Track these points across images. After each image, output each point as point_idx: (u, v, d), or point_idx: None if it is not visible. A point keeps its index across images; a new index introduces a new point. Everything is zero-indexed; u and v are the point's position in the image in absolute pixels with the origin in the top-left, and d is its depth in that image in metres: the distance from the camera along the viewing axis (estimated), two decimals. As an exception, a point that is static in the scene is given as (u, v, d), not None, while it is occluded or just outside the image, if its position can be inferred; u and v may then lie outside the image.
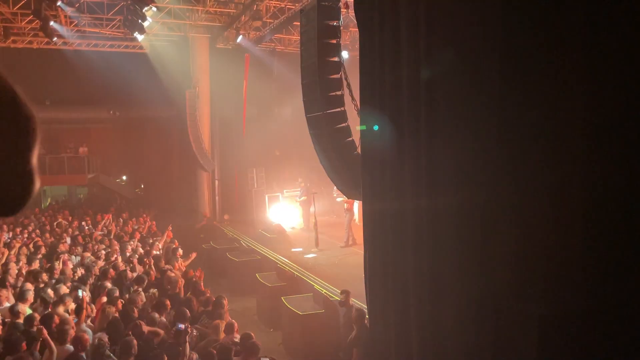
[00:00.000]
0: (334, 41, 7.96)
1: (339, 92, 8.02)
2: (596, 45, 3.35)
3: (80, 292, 7.19)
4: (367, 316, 6.70)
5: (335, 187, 12.27)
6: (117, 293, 7.46)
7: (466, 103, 4.39)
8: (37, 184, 0.64)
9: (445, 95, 4.65)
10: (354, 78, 7.67)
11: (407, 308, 5.27)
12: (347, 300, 7.57)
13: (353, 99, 8.00)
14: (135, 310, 6.75)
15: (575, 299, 3.50)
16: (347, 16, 14.59)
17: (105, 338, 5.73)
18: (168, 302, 7.03)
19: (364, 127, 7.77)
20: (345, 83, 8.14)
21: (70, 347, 5.58)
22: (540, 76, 3.68)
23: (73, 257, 10.43)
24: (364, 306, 7.09)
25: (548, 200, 3.67)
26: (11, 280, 8.09)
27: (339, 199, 13.27)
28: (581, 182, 3.47)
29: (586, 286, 3.45)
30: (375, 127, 7.93)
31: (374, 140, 6.10)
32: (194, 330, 6.28)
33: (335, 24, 7.96)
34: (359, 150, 7.39)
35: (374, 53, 5.97)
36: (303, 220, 16.47)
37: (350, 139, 8.13)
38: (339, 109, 8.04)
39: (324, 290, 9.34)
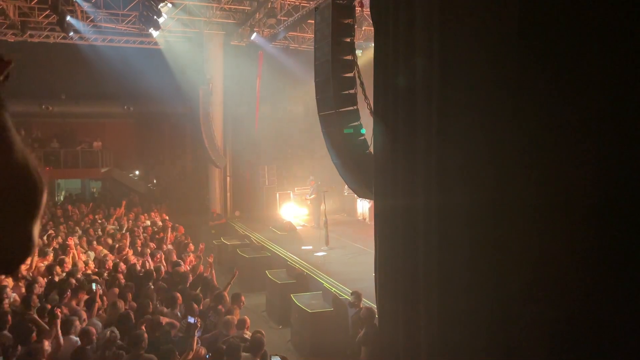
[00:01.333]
0: (348, 39, 7.95)
1: (352, 91, 8.02)
2: (617, 40, 3.30)
3: (94, 286, 7.27)
4: (376, 315, 6.69)
5: (346, 186, 12.28)
6: (128, 287, 7.53)
7: (481, 100, 4.36)
8: (34, 250, 0.66)
9: (459, 92, 4.62)
10: (367, 77, 7.67)
11: (417, 308, 5.25)
12: (358, 303, 7.55)
13: (366, 97, 7.99)
14: (150, 304, 6.83)
15: (588, 301, 3.46)
16: (362, 14, 14.56)
17: (116, 331, 5.79)
18: (179, 297, 7.09)
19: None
20: (358, 82, 8.13)
21: (76, 339, 5.65)
22: (558, 71, 3.64)
23: (86, 250, 10.53)
24: (374, 305, 7.09)
25: (561, 201, 3.63)
26: (24, 271, 8.19)
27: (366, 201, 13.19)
28: (595, 182, 3.42)
29: (599, 289, 3.42)
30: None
31: (387, 138, 6.08)
32: (201, 325, 6.34)
33: (349, 22, 7.95)
34: (371, 149, 7.38)
35: (388, 50, 5.96)
36: (312, 218, 16.49)
37: (362, 137, 8.13)
38: (351, 108, 8.04)
39: (334, 289, 9.35)
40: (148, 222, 14.53)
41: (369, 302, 7.62)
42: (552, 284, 3.69)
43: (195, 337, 5.55)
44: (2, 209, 0.60)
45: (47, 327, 5.72)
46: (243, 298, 7.39)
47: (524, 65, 3.85)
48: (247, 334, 6.25)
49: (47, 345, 5.50)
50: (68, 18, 15.29)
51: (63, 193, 23.43)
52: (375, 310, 6.78)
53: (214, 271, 8.84)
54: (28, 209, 0.62)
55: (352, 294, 7.80)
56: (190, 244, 11.02)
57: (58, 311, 5.87)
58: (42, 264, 8.90)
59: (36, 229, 0.64)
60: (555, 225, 3.68)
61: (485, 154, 4.31)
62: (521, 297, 3.91)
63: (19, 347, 5.38)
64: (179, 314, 6.82)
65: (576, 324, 3.51)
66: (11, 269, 0.67)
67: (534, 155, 3.84)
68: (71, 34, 16.48)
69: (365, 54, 15.88)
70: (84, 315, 6.26)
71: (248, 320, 6.56)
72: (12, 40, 16.73)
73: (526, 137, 3.88)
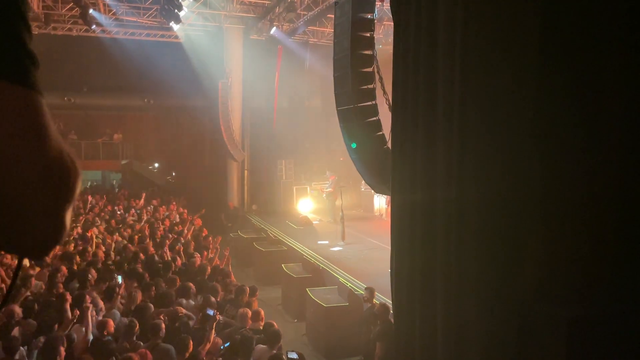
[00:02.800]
0: (368, 34, 7.91)
1: (370, 86, 7.98)
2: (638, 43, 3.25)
3: (120, 278, 7.37)
4: (391, 311, 6.69)
5: (363, 181, 12.26)
6: (147, 277, 7.64)
7: (502, 95, 4.31)
8: (65, 235, 0.68)
9: (481, 87, 4.58)
10: (386, 72, 7.62)
11: (433, 304, 5.23)
12: (371, 298, 7.55)
13: (385, 92, 7.95)
14: (168, 295, 6.93)
15: (606, 301, 3.41)
16: (382, 9, 14.47)
17: (135, 321, 5.87)
18: (194, 288, 7.17)
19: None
20: (377, 77, 8.09)
21: (94, 330, 5.74)
22: (580, 72, 3.59)
23: (106, 240, 10.70)
24: (389, 301, 7.08)
25: (580, 199, 3.58)
26: (47, 260, 8.35)
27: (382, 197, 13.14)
28: (615, 180, 3.38)
29: (618, 288, 3.37)
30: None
31: (406, 133, 6.05)
32: (220, 317, 6.40)
33: (369, 16, 7.91)
34: (389, 144, 7.34)
35: (408, 44, 5.92)
36: (329, 213, 16.51)
37: (380, 133, 8.09)
38: (370, 103, 8.00)
39: (349, 284, 9.36)
40: (167, 214, 14.70)
41: (385, 298, 7.62)
42: (570, 283, 3.65)
43: (213, 330, 5.62)
44: (36, 194, 0.61)
45: (70, 316, 5.83)
46: (257, 291, 7.48)
47: (546, 59, 3.80)
48: (261, 326, 6.30)
49: (69, 333, 5.61)
50: (91, 11, 15.50)
51: (89, 184, 23.84)
52: (390, 306, 6.77)
53: (230, 264, 8.91)
54: (61, 195, 0.64)
55: (365, 289, 7.80)
56: (208, 236, 11.12)
57: (89, 300, 6.00)
58: (63, 252, 9.07)
59: (68, 215, 0.66)
60: (574, 224, 3.64)
61: (505, 149, 4.27)
62: (538, 296, 3.88)
63: (42, 336, 5.49)
64: (192, 305, 6.90)
65: (593, 325, 3.47)
66: (43, 254, 0.69)
67: (553, 152, 3.80)
68: (93, 26, 16.70)
69: (384, 49, 15.80)
70: (102, 304, 6.37)
71: (262, 312, 6.61)
72: (36, 33, 16.98)
73: (545, 133, 3.84)
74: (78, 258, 8.68)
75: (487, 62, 4.48)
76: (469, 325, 4.65)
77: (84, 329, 5.64)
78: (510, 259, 4.16)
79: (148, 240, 10.69)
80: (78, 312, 5.72)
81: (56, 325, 5.74)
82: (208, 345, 5.49)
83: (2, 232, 0.62)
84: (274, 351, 5.54)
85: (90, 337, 5.64)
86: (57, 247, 8.91)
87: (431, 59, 5.36)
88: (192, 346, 5.31)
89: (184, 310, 6.40)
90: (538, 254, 3.91)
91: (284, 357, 5.29)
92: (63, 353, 4.90)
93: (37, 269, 7.88)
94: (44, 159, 0.61)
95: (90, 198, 16.85)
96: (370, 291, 7.63)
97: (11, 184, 0.59)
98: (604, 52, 3.46)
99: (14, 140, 0.59)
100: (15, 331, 5.42)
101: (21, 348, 5.21)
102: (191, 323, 6.18)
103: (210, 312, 5.84)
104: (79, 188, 0.66)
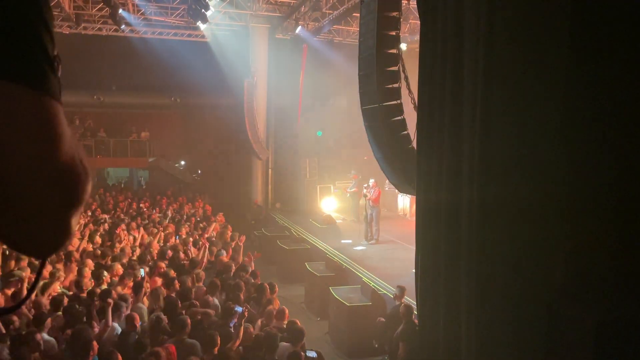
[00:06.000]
0: (393, 33, 7.87)
1: (395, 85, 7.94)
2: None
3: (142, 272, 7.50)
4: (414, 312, 6.64)
5: (387, 181, 12.20)
6: (172, 274, 7.74)
7: (528, 97, 4.25)
8: (71, 239, 0.70)
9: (507, 87, 4.52)
10: (411, 71, 7.57)
11: (458, 306, 5.19)
12: (401, 297, 7.48)
13: (410, 91, 7.90)
14: (194, 292, 7.02)
15: (635, 305, 3.33)
16: (408, 7, 14.38)
17: (162, 316, 5.97)
18: (220, 285, 7.25)
19: (320, 133, 7.68)
20: (402, 75, 8.04)
21: (121, 324, 5.85)
22: (609, 73, 3.51)
23: (132, 236, 10.89)
24: (412, 301, 7.03)
25: (608, 201, 3.50)
26: (76, 255, 8.54)
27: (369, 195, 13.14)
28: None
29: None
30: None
31: (432, 133, 6.01)
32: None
33: (395, 15, 7.87)
34: (414, 144, 7.29)
35: (436, 44, 5.87)
36: (353, 213, 16.48)
37: (405, 132, 8.04)
38: (395, 102, 7.96)
39: (372, 283, 9.33)
40: (192, 211, 14.88)
41: (408, 298, 7.57)
42: (598, 285, 3.57)
43: (242, 326, 5.66)
44: (46, 198, 0.62)
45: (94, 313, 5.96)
46: (277, 288, 7.53)
47: (576, 57, 3.72)
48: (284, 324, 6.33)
49: (96, 328, 5.74)
50: (120, 11, 15.79)
51: (120, 181, 24.33)
52: (413, 307, 6.73)
53: (253, 262, 8.97)
54: (69, 200, 0.65)
55: (397, 287, 7.71)
56: (233, 234, 11.21)
57: (115, 295, 6.11)
58: (91, 248, 9.27)
59: (75, 220, 0.67)
60: (603, 226, 3.56)
61: (531, 150, 4.20)
62: (565, 299, 3.81)
63: (69, 330, 5.62)
64: (217, 302, 6.97)
65: (621, 329, 3.39)
66: (46, 255, 0.71)
67: (580, 153, 3.72)
68: (123, 26, 16.99)
69: (410, 47, 15.68)
70: (131, 300, 6.48)
71: (287, 310, 6.64)
72: (67, 33, 17.37)
73: (573, 136, 3.76)
74: (105, 254, 8.84)
75: (514, 60, 4.42)
76: (493, 328, 4.60)
77: (112, 323, 5.76)
78: (536, 262, 4.09)
79: (173, 237, 10.83)
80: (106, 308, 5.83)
81: (84, 319, 5.87)
82: (238, 342, 5.54)
83: (9, 231, 0.63)
84: (298, 349, 5.56)
85: (118, 331, 5.76)
86: (83, 245, 9.13)
87: (458, 58, 5.31)
88: (219, 342, 5.36)
89: (209, 307, 6.48)
90: (565, 257, 3.84)
91: (302, 354, 5.30)
92: (96, 346, 5.00)
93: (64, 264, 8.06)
94: (55, 164, 0.62)
95: (118, 196, 17.16)
96: (401, 290, 7.55)
97: (22, 186, 0.60)
98: (635, 50, 3.37)
99: (27, 144, 0.60)
100: (48, 322, 5.55)
101: (51, 339, 5.35)
102: (214, 320, 6.25)
103: (239, 308, 5.89)
104: (88, 194, 0.67)
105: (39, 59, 0.63)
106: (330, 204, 17.53)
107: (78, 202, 0.66)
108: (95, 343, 5.04)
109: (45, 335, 5.30)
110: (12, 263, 7.56)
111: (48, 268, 6.88)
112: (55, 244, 0.67)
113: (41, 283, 6.51)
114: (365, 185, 13.45)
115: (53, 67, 0.65)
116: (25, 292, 5.91)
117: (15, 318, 5.59)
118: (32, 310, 5.99)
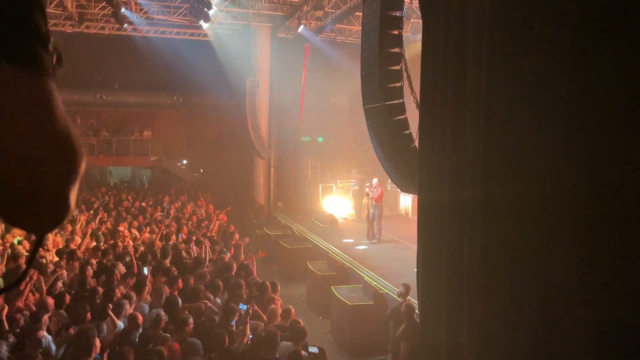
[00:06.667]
0: (396, 32, 7.85)
1: (398, 84, 7.92)
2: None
3: (145, 270, 7.51)
4: (416, 311, 6.64)
5: (389, 180, 12.19)
6: (174, 273, 7.75)
7: (532, 95, 4.23)
8: (70, 214, 0.70)
9: (510, 85, 4.50)
10: (414, 70, 7.56)
11: (460, 305, 5.18)
12: (406, 295, 7.45)
13: (412, 90, 7.89)
14: (196, 291, 7.02)
15: (638, 304, 3.32)
16: (410, 7, 14.35)
17: (162, 313, 5.97)
18: (221, 284, 7.25)
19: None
20: (405, 74, 8.03)
21: (123, 322, 5.85)
22: (616, 71, 3.49)
23: (134, 235, 10.90)
24: (414, 300, 7.02)
25: (617, 199, 3.48)
26: (79, 254, 8.57)
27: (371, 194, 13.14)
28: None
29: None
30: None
31: (434, 132, 6.00)
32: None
33: (398, 14, 7.85)
34: (416, 143, 7.29)
35: (438, 43, 5.86)
36: (355, 212, 16.47)
37: (407, 131, 8.03)
38: (397, 101, 7.95)
39: (374, 283, 9.32)
40: (194, 210, 14.89)
41: (410, 297, 7.56)
42: (601, 286, 3.56)
43: (248, 325, 5.67)
44: (43, 172, 0.64)
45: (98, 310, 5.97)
46: (279, 287, 7.53)
47: (580, 58, 3.71)
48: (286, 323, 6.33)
49: (100, 326, 5.74)
50: (123, 10, 15.80)
51: (123, 179, 24.36)
52: (415, 306, 6.72)
53: (254, 262, 8.97)
54: (67, 175, 0.66)
55: (402, 285, 7.66)
56: (235, 234, 11.22)
57: (118, 294, 6.12)
58: (93, 247, 9.29)
59: (73, 195, 0.68)
60: (608, 224, 3.54)
61: (535, 149, 4.19)
62: (568, 298, 3.80)
63: (72, 328, 5.63)
64: (219, 301, 6.97)
65: (626, 329, 3.38)
66: (45, 230, 0.71)
67: (586, 150, 3.70)
68: (125, 25, 17.01)
69: (412, 47, 15.66)
70: (134, 297, 6.48)
71: (293, 310, 6.64)
72: (69, 31, 17.40)
73: (578, 132, 3.75)
74: (107, 252, 8.86)
75: (518, 58, 4.41)
76: (495, 327, 4.59)
77: (114, 321, 5.76)
78: (539, 260, 4.08)
79: (175, 236, 10.84)
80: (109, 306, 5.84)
81: (87, 317, 5.88)
82: (245, 340, 5.55)
83: (9, 207, 0.65)
84: (299, 348, 5.56)
85: (120, 328, 5.76)
86: (86, 243, 9.15)
87: (460, 57, 5.30)
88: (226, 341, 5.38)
89: (211, 305, 6.48)
90: (568, 255, 3.83)
91: (303, 353, 5.30)
92: (98, 344, 5.01)
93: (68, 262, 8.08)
94: (52, 140, 0.64)
95: (122, 196, 17.19)
96: (407, 287, 7.49)
97: (21, 162, 0.62)
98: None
99: (25, 122, 0.62)
100: (45, 319, 5.56)
101: (48, 337, 5.35)
102: (216, 318, 6.25)
103: (244, 307, 5.89)
104: (83, 170, 0.68)
105: (32, 38, 0.63)
106: (332, 203, 17.48)
107: (75, 176, 0.67)
108: (97, 341, 5.05)
109: (45, 333, 5.31)
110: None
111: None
112: (54, 218, 0.68)
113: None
114: (368, 184, 13.44)
115: (46, 45, 0.65)
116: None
117: (19, 316, 5.61)
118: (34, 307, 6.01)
